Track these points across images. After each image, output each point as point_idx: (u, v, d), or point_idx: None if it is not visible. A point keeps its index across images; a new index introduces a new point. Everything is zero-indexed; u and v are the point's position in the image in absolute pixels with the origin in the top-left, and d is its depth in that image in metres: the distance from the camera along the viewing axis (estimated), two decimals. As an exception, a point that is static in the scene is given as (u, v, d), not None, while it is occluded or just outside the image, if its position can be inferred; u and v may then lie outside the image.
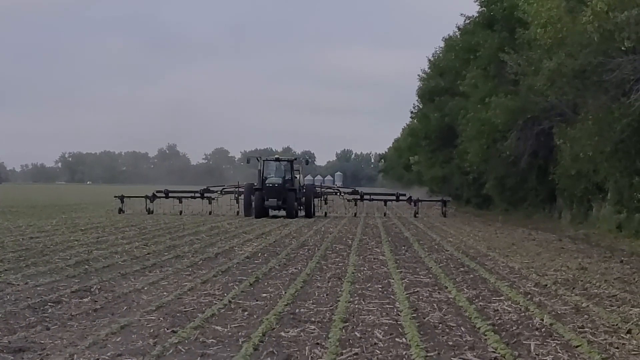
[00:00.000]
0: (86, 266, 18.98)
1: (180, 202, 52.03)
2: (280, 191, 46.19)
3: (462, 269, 19.72)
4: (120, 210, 49.29)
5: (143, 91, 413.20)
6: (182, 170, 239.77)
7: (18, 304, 13.33)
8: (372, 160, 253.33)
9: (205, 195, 52.52)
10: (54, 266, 18.85)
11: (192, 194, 53.45)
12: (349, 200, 54.43)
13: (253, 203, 46.86)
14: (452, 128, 57.83)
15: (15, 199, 78.49)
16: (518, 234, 33.26)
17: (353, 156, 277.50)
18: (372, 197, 56.21)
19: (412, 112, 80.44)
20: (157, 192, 53.00)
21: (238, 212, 49.77)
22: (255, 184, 47.92)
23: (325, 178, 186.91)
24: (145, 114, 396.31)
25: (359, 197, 54.12)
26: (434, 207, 57.10)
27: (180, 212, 49.49)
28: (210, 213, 49.69)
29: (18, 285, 15.66)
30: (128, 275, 17.44)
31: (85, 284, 15.91)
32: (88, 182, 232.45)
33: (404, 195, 55.21)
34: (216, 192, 53.35)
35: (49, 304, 13.43)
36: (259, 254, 22.81)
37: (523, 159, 42.81)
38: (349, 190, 57.54)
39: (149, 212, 49.76)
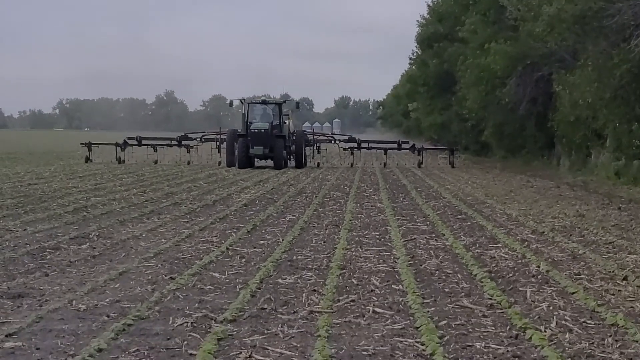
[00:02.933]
0: (84, 213, 19.02)
1: (155, 150, 47.09)
2: (267, 138, 41.42)
3: (459, 216, 19.75)
4: (88, 159, 45.53)
5: (142, 37, 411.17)
6: (180, 117, 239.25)
7: (17, 250, 13.37)
8: (371, 107, 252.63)
9: (183, 142, 47.95)
10: (52, 213, 18.88)
11: (169, 142, 48.50)
12: (344, 149, 48.36)
13: (236, 151, 41.99)
14: (451, 74, 57.49)
15: (13, 145, 78.41)
16: (516, 181, 33.27)
17: (351, 103, 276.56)
18: (371, 145, 49.66)
19: (410, 59, 79.92)
20: (129, 138, 47.86)
21: (220, 162, 44.98)
22: (240, 129, 43.13)
23: (324, 125, 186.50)
24: (144, 61, 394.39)
25: (356, 145, 47.79)
26: (440, 156, 53.08)
27: (156, 162, 45.50)
28: (188, 163, 45.41)
29: (17, 231, 15.70)
30: (126, 222, 17.48)
31: (84, 230, 15.94)
32: (86, 129, 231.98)
33: (407, 143, 49.68)
34: (195, 139, 48.91)
35: (48, 250, 13.47)
36: (257, 202, 22.83)
37: (522, 106, 42.66)
38: (345, 137, 50.52)
39: (120, 161, 45.43)
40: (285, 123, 43.89)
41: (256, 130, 41.44)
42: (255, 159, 43.28)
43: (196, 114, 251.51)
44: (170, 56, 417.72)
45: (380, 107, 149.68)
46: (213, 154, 46.69)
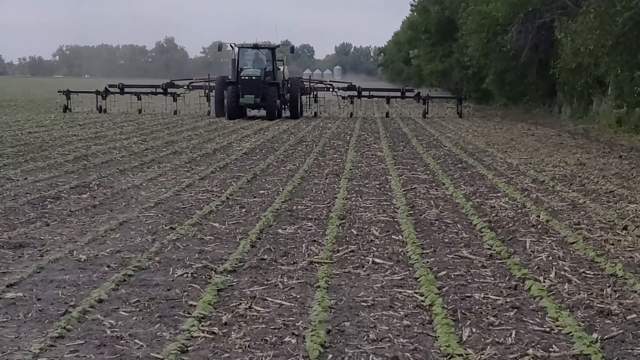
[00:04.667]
0: (85, 162, 19.01)
1: (139, 99, 43.90)
2: (259, 86, 38.36)
3: (459, 165, 19.75)
4: (66, 109, 42.56)
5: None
6: (180, 64, 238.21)
7: (17, 199, 13.38)
8: (372, 54, 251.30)
9: (169, 90, 44.45)
10: (52, 162, 18.87)
11: (153, 89, 44.83)
12: (343, 98, 45.51)
13: (225, 100, 39.34)
14: (452, 21, 57.08)
15: (13, 93, 78.19)
16: (517, 130, 33.23)
17: (352, 50, 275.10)
18: (372, 93, 45.63)
19: (411, 5, 79.25)
20: (110, 86, 44.86)
21: (209, 112, 42.47)
22: (230, 76, 40.09)
23: (324, 72, 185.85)
24: (143, 6, 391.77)
25: (356, 93, 44.52)
26: (447, 105, 49.79)
27: (140, 111, 42.77)
28: (175, 112, 42.61)
29: (17, 180, 15.70)
30: (126, 171, 17.47)
31: (84, 179, 15.95)
32: (86, 76, 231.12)
33: (411, 91, 46.58)
34: (182, 86, 45.03)
35: (48, 199, 13.48)
36: (257, 150, 22.82)
37: (523, 53, 42.33)
38: (344, 85, 46.62)
39: (101, 110, 42.48)
40: (280, 69, 41.30)
41: (247, 78, 38.38)
42: (247, 109, 40.88)
43: (196, 61, 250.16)
44: (170, 2, 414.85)
45: (381, 54, 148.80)
46: (202, 102, 44.16)
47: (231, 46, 40.71)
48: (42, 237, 10.57)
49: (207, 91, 43.63)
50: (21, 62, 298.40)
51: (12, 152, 20.70)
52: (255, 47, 40.90)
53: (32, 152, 20.83)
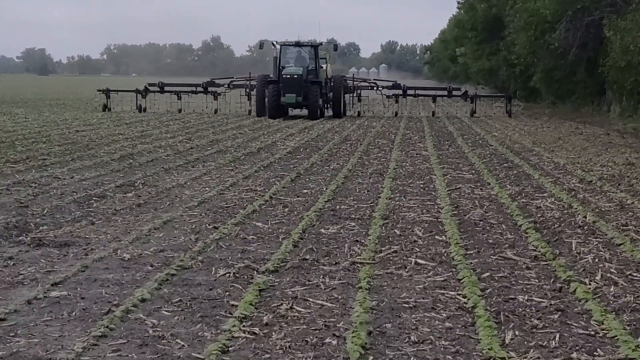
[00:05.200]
0: (130, 160, 19.16)
1: (179, 98, 43.33)
2: (301, 84, 37.34)
3: (505, 164, 19.59)
4: (105, 108, 42.13)
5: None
6: (226, 62, 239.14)
7: (64, 198, 13.52)
8: (418, 52, 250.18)
9: (210, 89, 43.62)
10: (99, 160, 19.04)
11: (194, 88, 44.12)
12: (388, 97, 43.83)
13: (266, 99, 38.45)
14: (499, 19, 56.68)
15: (61, 92, 79.06)
16: (565, 128, 32.89)
17: (398, 48, 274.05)
18: (418, 92, 44.57)
19: (458, 2, 78.81)
20: (150, 85, 44.18)
21: (250, 111, 41.47)
22: (271, 75, 39.33)
23: (370, 70, 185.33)
24: (189, 5, 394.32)
25: (401, 92, 42.93)
26: (495, 104, 48.04)
27: (180, 110, 42.26)
28: (215, 112, 42.21)
29: (64, 179, 15.86)
30: (171, 170, 17.57)
31: (130, 178, 16.07)
32: (133, 75, 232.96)
33: (458, 89, 45.44)
34: (223, 85, 44.08)
35: (94, 198, 13.59)
36: (301, 149, 22.83)
37: (572, 51, 41.92)
38: (389, 83, 44.73)
39: (140, 109, 41.94)
40: (322, 67, 40.24)
41: (288, 76, 37.49)
42: (289, 108, 39.80)
43: (242, 59, 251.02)
44: (217, 1, 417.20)
45: (428, 52, 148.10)
46: (243, 101, 43.15)
47: (273, 44, 39.87)
48: (87, 236, 10.66)
49: (248, 90, 42.73)
50: (70, 61, 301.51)
51: (59, 151, 20.91)
52: (298, 44, 40.12)
53: (78, 151, 21.03)
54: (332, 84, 40.81)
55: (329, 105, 41.03)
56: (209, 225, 11.48)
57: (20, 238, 10.41)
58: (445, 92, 44.22)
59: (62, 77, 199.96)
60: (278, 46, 39.47)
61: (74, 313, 7.29)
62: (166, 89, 44.00)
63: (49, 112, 40.19)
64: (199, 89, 43.75)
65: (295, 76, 37.38)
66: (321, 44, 42.22)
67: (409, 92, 43.39)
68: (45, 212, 12.19)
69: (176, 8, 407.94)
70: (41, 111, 41.39)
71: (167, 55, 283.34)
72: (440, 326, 7.08)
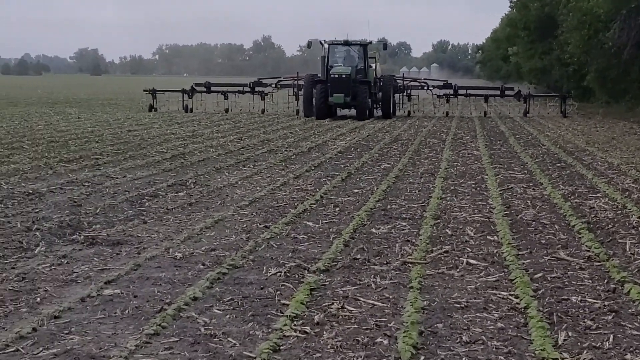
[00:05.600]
0: (182, 160, 19.28)
1: (226, 97, 42.86)
2: (349, 84, 36.47)
3: (558, 164, 19.40)
4: (152, 108, 42.10)
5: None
6: (277, 62, 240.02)
7: (116, 197, 13.65)
8: (470, 52, 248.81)
9: (257, 89, 43.27)
10: (151, 160, 19.19)
11: (241, 88, 43.66)
12: (439, 96, 43.04)
13: (314, 99, 37.91)
14: (552, 18, 56.19)
15: (113, 91, 79.85)
16: (619, 128, 32.47)
17: (450, 47, 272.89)
18: (469, 91, 43.56)
19: (511, 2, 78.29)
20: (197, 85, 43.72)
21: (298, 111, 40.66)
22: (319, 74, 38.62)
23: (421, 70, 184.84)
24: (241, 5, 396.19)
25: (452, 92, 42.42)
26: (550, 104, 46.10)
27: (226, 110, 41.87)
28: (263, 112, 41.79)
29: (116, 178, 16.02)
30: (222, 170, 17.66)
31: (181, 177, 16.18)
32: (185, 75, 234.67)
33: (511, 89, 43.40)
34: (270, 85, 43.73)
35: (146, 197, 13.72)
36: (352, 149, 22.81)
37: (626, 50, 41.43)
38: (440, 83, 44.21)
39: (187, 109, 41.75)
40: (371, 67, 39.42)
41: (337, 76, 36.67)
42: (337, 108, 39.03)
43: (293, 59, 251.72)
44: (268, 1, 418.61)
45: (479, 52, 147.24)
46: (290, 101, 42.37)
47: (321, 43, 38.98)
48: (140, 235, 10.75)
49: (295, 90, 41.88)
50: (122, 61, 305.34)
51: (111, 151, 21.12)
52: (346, 43, 39.20)
53: (131, 150, 21.22)
54: (381, 84, 39.94)
55: (378, 106, 40.23)
56: (260, 224, 11.52)
57: (74, 237, 10.54)
58: (498, 92, 43.27)
59: (114, 77, 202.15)
60: (326, 45, 38.80)
61: (126, 311, 7.36)
62: (213, 89, 43.63)
63: (102, 112, 40.63)
64: (246, 88, 43.39)
65: (344, 76, 36.61)
66: (370, 42, 41.07)
67: (460, 91, 42.71)
68: (98, 211, 12.31)
69: (227, 8, 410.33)
70: (94, 111, 41.86)
71: (218, 55, 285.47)
72: (492, 326, 7.03)
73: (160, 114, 38.89)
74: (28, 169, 16.98)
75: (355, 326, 7.00)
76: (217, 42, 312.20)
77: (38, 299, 7.73)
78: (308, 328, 6.90)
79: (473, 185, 15.64)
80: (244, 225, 11.43)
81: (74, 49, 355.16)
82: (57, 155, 19.76)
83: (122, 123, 32.12)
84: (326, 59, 38.29)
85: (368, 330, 6.89)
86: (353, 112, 38.41)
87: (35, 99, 58.54)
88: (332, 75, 36.83)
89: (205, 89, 43.33)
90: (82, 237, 10.49)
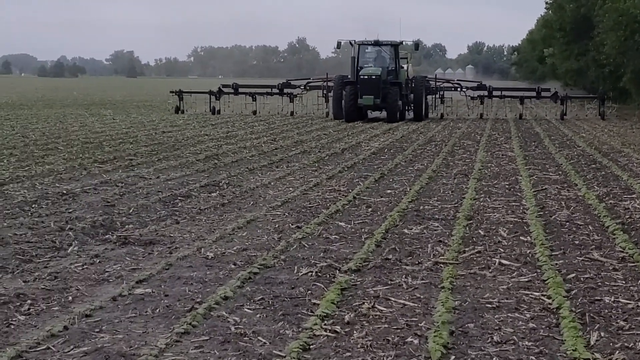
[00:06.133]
0: (215, 161, 19.34)
1: (254, 99, 41.78)
2: (379, 85, 35.32)
3: (593, 165, 19.24)
4: (178, 110, 41.53)
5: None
6: (311, 64, 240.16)
7: (150, 197, 13.71)
8: (505, 53, 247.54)
9: (286, 91, 42.05)
10: (184, 160, 19.27)
11: (269, 90, 42.33)
12: (472, 98, 41.45)
13: (343, 101, 36.52)
14: (588, 19, 55.81)
15: (149, 93, 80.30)
16: (655, 129, 32.15)
17: (485, 48, 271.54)
18: (504, 93, 42.46)
19: (546, 3, 77.86)
20: (224, 86, 42.82)
21: (328, 113, 39.87)
22: (349, 76, 37.56)
23: (457, 71, 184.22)
24: (276, 6, 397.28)
25: (486, 93, 40.99)
26: (588, 105, 44.45)
27: (254, 112, 40.92)
28: (292, 114, 40.72)
29: (150, 179, 16.09)
30: (255, 170, 17.69)
31: (214, 178, 16.22)
32: (219, 76, 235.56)
33: (547, 90, 42.30)
34: (299, 87, 42.59)
35: (179, 197, 13.77)
36: (385, 150, 22.77)
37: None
38: (473, 84, 42.82)
39: (214, 112, 40.90)
40: (403, 68, 38.37)
41: (366, 77, 35.51)
42: (367, 110, 37.98)
43: (328, 61, 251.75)
44: (303, 3, 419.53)
45: (515, 53, 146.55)
46: (320, 103, 41.68)
47: (351, 43, 38.00)
48: (172, 235, 10.79)
49: (325, 91, 41.22)
50: (157, 64, 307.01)
51: (145, 151, 21.23)
52: (377, 43, 38.01)
53: (164, 151, 21.32)
54: (412, 85, 38.75)
55: (409, 108, 38.94)
56: (292, 224, 11.52)
57: (107, 236, 10.61)
58: (534, 93, 41.73)
59: (149, 79, 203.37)
60: (356, 45, 37.79)
61: (157, 310, 7.38)
62: (240, 90, 42.68)
63: (136, 114, 40.87)
64: (275, 90, 42.23)
65: (374, 77, 35.50)
66: (401, 43, 39.66)
67: (494, 93, 41.57)
68: (131, 211, 12.38)
69: (262, 9, 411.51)
70: (129, 112, 42.13)
71: (253, 57, 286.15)
72: (523, 327, 6.98)
73: (195, 116, 38.88)
74: (62, 170, 17.11)
75: (386, 326, 6.98)
76: (252, 44, 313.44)
77: (70, 298, 7.78)
78: (338, 327, 6.89)
79: (507, 186, 15.54)
80: (276, 226, 11.44)
81: (109, 51, 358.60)
82: (92, 156, 19.90)
83: (156, 124, 32.29)
84: (356, 60, 37.47)
85: (398, 330, 6.87)
86: (384, 114, 37.55)
87: (70, 100, 59.05)
88: (361, 76, 35.83)
89: (232, 91, 42.57)
90: (114, 236, 10.56)
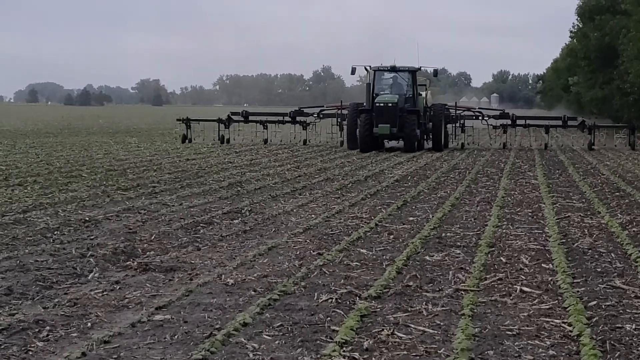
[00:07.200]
0: (238, 188, 19.37)
1: (265, 127, 40.08)
2: (396, 113, 33.49)
3: (617, 193, 19.13)
4: (185, 138, 39.59)
5: (300, 13, 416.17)
6: (336, 92, 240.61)
7: (172, 224, 13.74)
8: (530, 82, 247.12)
9: (298, 119, 40.48)
10: (207, 188, 19.32)
11: (281, 117, 40.66)
12: (495, 127, 39.43)
13: (358, 130, 34.43)
14: (612, 48, 55.81)
15: (174, 122, 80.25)
16: (680, 157, 31.92)
17: (510, 77, 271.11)
18: (528, 122, 40.90)
19: (571, 32, 78.05)
20: (233, 114, 41.36)
21: (342, 142, 38.06)
22: (364, 103, 35.60)
23: (481, 100, 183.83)
24: (300, 35, 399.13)
25: (509, 122, 39.24)
26: (617, 135, 42.36)
27: (265, 141, 39.38)
28: (305, 142, 39.18)
29: (173, 206, 16.14)
30: (278, 198, 17.71)
31: (237, 205, 16.24)
32: (245, 105, 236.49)
33: (574, 119, 40.97)
34: (312, 114, 41.12)
35: (201, 224, 13.79)
36: (409, 177, 22.73)
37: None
38: (496, 112, 41.14)
39: (223, 141, 39.26)
40: (421, 95, 36.42)
41: (382, 104, 33.69)
42: (384, 140, 35.91)
43: (353, 89, 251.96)
44: (328, 31, 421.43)
45: (540, 81, 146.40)
46: (334, 132, 39.82)
47: (366, 69, 35.90)
48: (193, 261, 10.81)
49: (339, 119, 39.29)
50: (183, 92, 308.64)
51: (169, 179, 21.30)
52: (393, 69, 36.12)
53: (188, 179, 21.38)
54: (431, 113, 36.73)
55: (428, 137, 37.06)
56: (313, 251, 11.52)
57: (128, 263, 10.63)
58: (560, 122, 39.92)
59: (175, 108, 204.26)
60: (371, 71, 35.89)
61: (176, 336, 7.38)
62: (251, 118, 41.18)
63: (161, 142, 41.07)
64: (287, 118, 40.60)
65: (390, 104, 33.71)
66: (419, 69, 37.57)
67: (518, 121, 39.82)
68: (152, 237, 12.41)
69: (288, 38, 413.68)
70: (153, 140, 42.35)
71: (279, 85, 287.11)
72: (543, 354, 6.93)
73: (217, 144, 38.65)
74: (86, 197, 17.18)
75: (405, 352, 6.95)
76: (278, 72, 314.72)
77: (89, 324, 7.80)
78: (357, 354, 6.86)
79: (530, 214, 15.47)
80: (297, 252, 11.44)
81: (135, 80, 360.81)
82: (115, 183, 19.99)
83: (180, 152, 32.41)
84: (372, 87, 35.61)
85: (417, 357, 6.83)
86: (401, 144, 35.63)
87: (96, 128, 59.48)
88: (377, 104, 34.01)
89: (242, 119, 40.97)
90: (135, 263, 10.58)
